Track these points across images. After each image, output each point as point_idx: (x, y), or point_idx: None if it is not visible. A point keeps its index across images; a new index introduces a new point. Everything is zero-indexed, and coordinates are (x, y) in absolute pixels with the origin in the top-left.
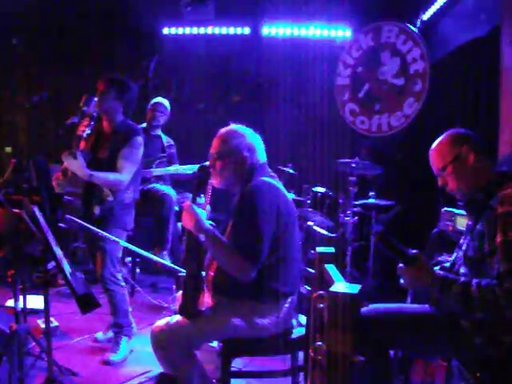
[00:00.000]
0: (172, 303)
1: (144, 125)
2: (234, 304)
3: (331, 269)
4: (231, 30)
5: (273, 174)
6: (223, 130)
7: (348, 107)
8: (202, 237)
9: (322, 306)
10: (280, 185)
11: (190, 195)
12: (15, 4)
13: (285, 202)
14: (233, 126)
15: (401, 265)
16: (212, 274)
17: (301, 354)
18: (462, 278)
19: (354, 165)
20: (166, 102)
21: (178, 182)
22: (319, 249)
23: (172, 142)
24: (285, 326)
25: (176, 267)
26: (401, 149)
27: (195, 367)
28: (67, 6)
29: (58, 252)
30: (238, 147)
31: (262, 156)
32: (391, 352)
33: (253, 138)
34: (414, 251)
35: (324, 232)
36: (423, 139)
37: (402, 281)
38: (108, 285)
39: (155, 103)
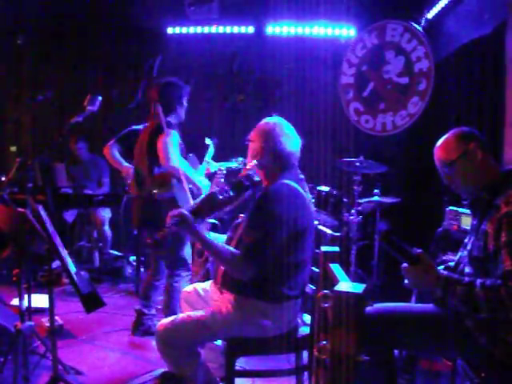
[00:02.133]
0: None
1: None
2: (239, 301)
3: (336, 268)
4: (235, 29)
5: (302, 176)
6: (279, 124)
7: (352, 106)
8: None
9: (326, 305)
10: (302, 189)
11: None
12: (20, 4)
13: (303, 208)
14: (284, 123)
15: (405, 264)
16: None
17: (305, 354)
18: (467, 278)
19: (358, 163)
20: None
21: None
22: (324, 248)
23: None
24: (289, 325)
25: None
26: (405, 148)
27: (199, 365)
28: (72, 6)
29: (63, 251)
30: (281, 145)
31: (295, 159)
32: (396, 352)
33: (295, 139)
34: (419, 251)
35: (328, 231)
36: (427, 138)
37: (406, 281)
38: None
39: None
